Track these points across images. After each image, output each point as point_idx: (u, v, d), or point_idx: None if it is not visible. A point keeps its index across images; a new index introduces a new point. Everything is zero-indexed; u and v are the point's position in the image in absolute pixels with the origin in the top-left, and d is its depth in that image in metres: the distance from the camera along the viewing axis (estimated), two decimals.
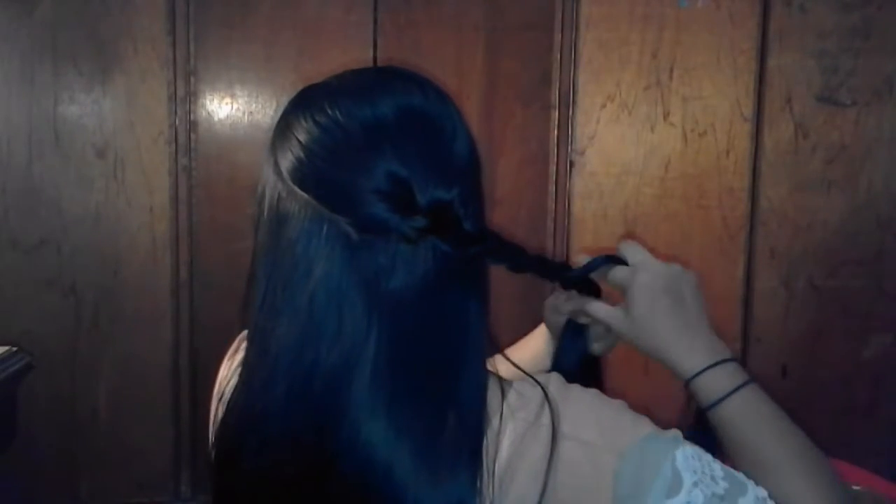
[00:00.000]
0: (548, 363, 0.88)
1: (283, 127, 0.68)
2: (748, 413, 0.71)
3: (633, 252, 0.78)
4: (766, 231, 1.68)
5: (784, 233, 1.68)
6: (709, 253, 1.68)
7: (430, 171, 0.64)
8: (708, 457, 0.65)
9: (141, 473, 1.65)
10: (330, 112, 0.65)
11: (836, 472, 0.70)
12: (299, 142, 0.66)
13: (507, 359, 0.73)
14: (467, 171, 0.67)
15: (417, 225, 0.63)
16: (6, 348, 1.48)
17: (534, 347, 0.93)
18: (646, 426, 0.66)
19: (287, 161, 0.66)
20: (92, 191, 1.60)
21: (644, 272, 0.76)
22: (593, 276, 0.80)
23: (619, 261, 0.79)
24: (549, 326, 0.90)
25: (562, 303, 0.85)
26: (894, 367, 1.70)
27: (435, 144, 0.66)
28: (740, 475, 0.65)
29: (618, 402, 0.68)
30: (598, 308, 0.79)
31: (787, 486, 0.67)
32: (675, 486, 0.62)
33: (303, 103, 0.68)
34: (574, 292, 0.82)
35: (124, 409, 1.63)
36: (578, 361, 0.83)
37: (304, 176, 0.65)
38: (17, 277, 1.59)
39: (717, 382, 0.72)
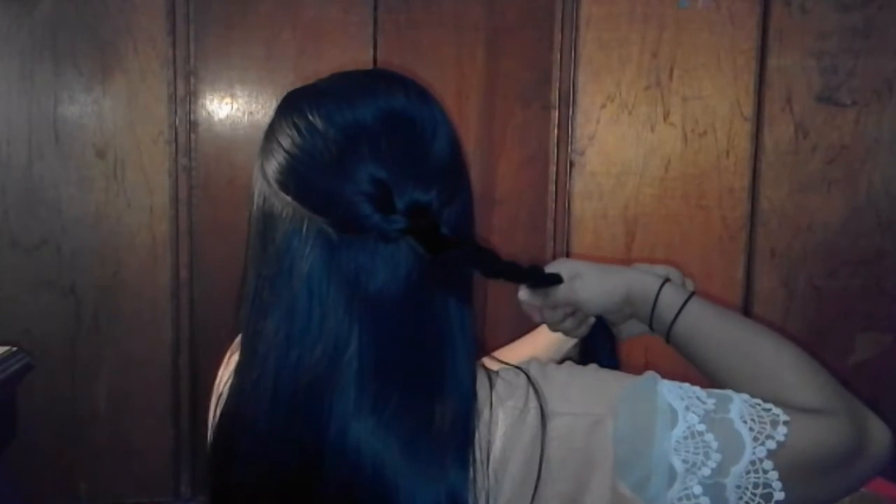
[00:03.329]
0: (553, 353, 0.93)
1: (269, 131, 0.70)
2: (706, 317, 0.76)
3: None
4: (766, 231, 1.68)
5: (784, 233, 1.68)
6: (709, 253, 1.68)
7: (409, 172, 0.65)
8: (686, 384, 0.68)
9: (141, 473, 1.65)
10: (310, 116, 0.66)
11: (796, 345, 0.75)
12: (281, 145, 0.67)
13: (494, 358, 0.74)
14: (447, 172, 0.68)
15: (396, 226, 0.64)
16: (6, 348, 1.48)
17: (543, 341, 0.95)
18: (624, 378, 0.69)
19: (271, 165, 0.67)
20: (92, 191, 1.60)
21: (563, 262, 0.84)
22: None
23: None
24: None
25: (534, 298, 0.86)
26: (894, 367, 1.70)
27: (414, 146, 0.67)
28: (720, 390, 0.68)
29: (591, 367, 0.71)
30: (566, 289, 0.83)
31: (766, 370, 0.72)
32: (673, 418, 0.65)
33: (286, 107, 0.69)
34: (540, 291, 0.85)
35: (124, 409, 1.63)
36: (613, 355, 0.88)
37: (286, 179, 0.66)
38: (17, 277, 1.59)
39: (670, 298, 0.78)
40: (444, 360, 0.66)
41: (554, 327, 0.88)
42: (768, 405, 0.67)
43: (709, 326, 0.76)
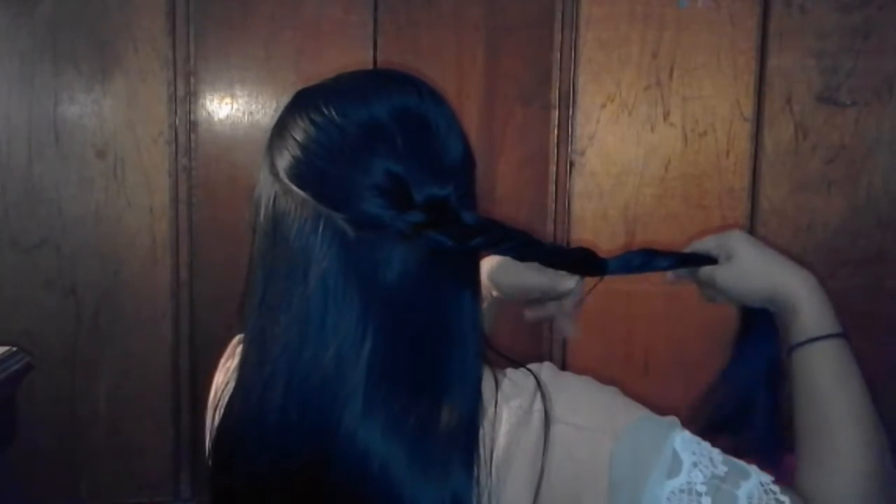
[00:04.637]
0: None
1: (280, 128, 0.69)
2: (841, 359, 0.75)
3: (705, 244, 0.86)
4: (766, 231, 1.68)
5: (784, 233, 1.68)
6: None
7: (426, 168, 0.65)
8: (706, 444, 0.66)
9: (141, 473, 1.65)
10: (325, 111, 0.66)
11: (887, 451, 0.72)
12: (296, 140, 0.66)
13: (499, 352, 0.73)
14: (462, 169, 0.68)
15: (414, 220, 0.64)
16: (6, 348, 1.48)
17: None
18: (639, 409, 0.67)
19: (284, 160, 0.67)
20: (92, 191, 1.60)
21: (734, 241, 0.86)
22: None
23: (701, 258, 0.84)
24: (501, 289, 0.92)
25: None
26: (894, 368, 1.70)
27: (429, 143, 0.66)
28: (741, 462, 0.66)
29: (611, 388, 0.70)
30: (709, 271, 0.84)
31: (840, 442, 0.70)
32: (674, 468, 0.63)
33: (298, 104, 0.69)
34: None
35: (124, 409, 1.63)
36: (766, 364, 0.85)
37: (302, 173, 0.66)
38: (17, 277, 1.59)
39: (823, 318, 0.76)
40: (454, 359, 0.66)
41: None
42: (784, 497, 0.64)
43: (817, 376, 0.74)
